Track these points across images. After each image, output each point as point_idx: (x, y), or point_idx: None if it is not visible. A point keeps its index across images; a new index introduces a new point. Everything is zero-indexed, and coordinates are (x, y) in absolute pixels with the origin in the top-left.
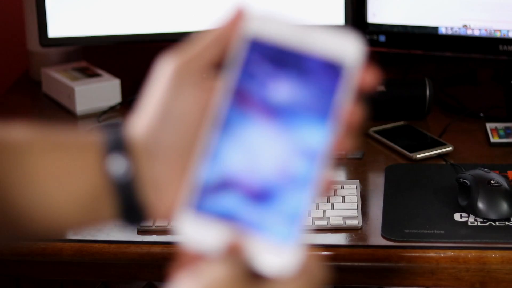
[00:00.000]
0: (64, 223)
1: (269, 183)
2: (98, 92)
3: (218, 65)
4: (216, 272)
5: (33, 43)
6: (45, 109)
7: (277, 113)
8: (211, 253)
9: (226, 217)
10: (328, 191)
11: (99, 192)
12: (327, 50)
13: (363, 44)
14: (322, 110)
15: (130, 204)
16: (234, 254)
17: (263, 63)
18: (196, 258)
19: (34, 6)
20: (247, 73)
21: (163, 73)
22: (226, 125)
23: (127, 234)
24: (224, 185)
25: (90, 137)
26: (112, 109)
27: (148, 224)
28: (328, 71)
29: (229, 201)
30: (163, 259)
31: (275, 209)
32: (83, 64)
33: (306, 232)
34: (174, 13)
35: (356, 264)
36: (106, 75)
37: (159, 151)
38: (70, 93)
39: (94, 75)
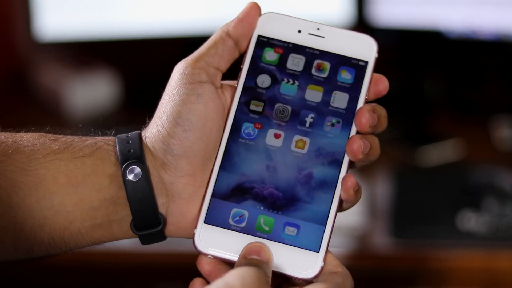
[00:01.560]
0: (76, 233)
1: (291, 189)
2: (94, 92)
3: (228, 64)
4: (236, 279)
5: (23, 44)
6: (38, 111)
7: (295, 115)
8: (231, 262)
9: (247, 225)
10: (355, 196)
11: (112, 202)
12: (342, 49)
13: (377, 44)
14: (341, 110)
15: (145, 216)
16: (254, 262)
17: (278, 63)
18: (216, 270)
19: (23, 5)
20: (262, 74)
21: (172, 77)
22: (242, 130)
23: (125, 242)
24: (243, 193)
25: (105, 145)
26: (110, 109)
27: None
28: (345, 70)
29: (249, 209)
30: (161, 267)
31: (298, 215)
32: (79, 61)
33: (330, 237)
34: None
35: (362, 265)
36: (103, 73)
37: (173, 160)
38: (66, 94)
39: (91, 74)
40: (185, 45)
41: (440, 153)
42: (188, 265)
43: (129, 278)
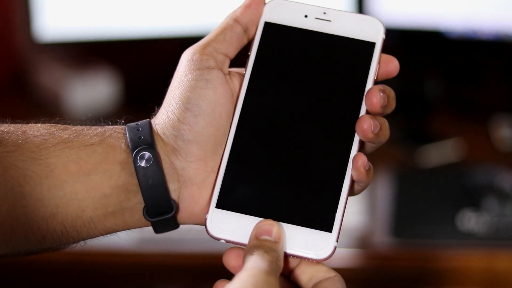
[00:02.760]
0: (88, 221)
1: (302, 170)
2: (94, 92)
3: (236, 50)
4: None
5: (23, 44)
6: (38, 112)
7: (305, 99)
8: (245, 246)
9: (259, 208)
10: (366, 176)
11: (124, 189)
12: (349, 32)
13: (384, 25)
14: (350, 92)
15: (157, 203)
16: (266, 245)
17: (286, 49)
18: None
19: (23, 6)
20: (270, 60)
21: (181, 64)
22: (252, 115)
23: (125, 243)
24: (254, 177)
25: (115, 133)
26: (110, 109)
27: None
28: (353, 52)
29: (260, 192)
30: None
31: (309, 195)
32: (79, 61)
33: (343, 218)
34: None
35: (362, 265)
36: (103, 73)
37: (184, 145)
38: (66, 94)
39: (91, 74)
40: (185, 45)
41: (440, 153)
42: (188, 265)
43: (129, 278)
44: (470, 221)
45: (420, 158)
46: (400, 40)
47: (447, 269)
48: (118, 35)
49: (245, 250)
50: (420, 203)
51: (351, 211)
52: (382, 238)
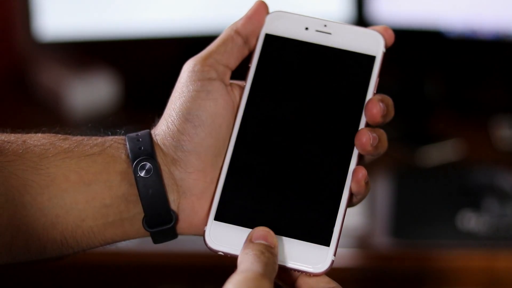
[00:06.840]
0: (88, 232)
1: (301, 183)
2: (94, 92)
3: (237, 62)
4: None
5: (23, 44)
6: (38, 111)
7: (304, 112)
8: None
9: (257, 221)
10: (365, 188)
11: (124, 199)
12: (349, 45)
13: (384, 38)
14: (350, 105)
15: (157, 213)
16: (262, 246)
17: (286, 60)
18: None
19: (23, 5)
20: (270, 72)
21: (182, 74)
22: (252, 127)
23: (125, 242)
24: (253, 189)
25: (115, 143)
26: (110, 109)
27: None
28: (353, 65)
29: (259, 205)
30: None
31: (308, 209)
32: (79, 61)
33: (341, 232)
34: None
35: (362, 265)
36: (103, 73)
37: (183, 156)
38: (66, 94)
39: (91, 74)
40: (185, 45)
41: (440, 153)
42: (188, 265)
43: (129, 278)
44: (470, 221)
45: (420, 158)
46: (400, 40)
47: (447, 269)
48: (118, 35)
49: (239, 254)
50: (420, 203)
51: (351, 211)
52: (381, 238)
